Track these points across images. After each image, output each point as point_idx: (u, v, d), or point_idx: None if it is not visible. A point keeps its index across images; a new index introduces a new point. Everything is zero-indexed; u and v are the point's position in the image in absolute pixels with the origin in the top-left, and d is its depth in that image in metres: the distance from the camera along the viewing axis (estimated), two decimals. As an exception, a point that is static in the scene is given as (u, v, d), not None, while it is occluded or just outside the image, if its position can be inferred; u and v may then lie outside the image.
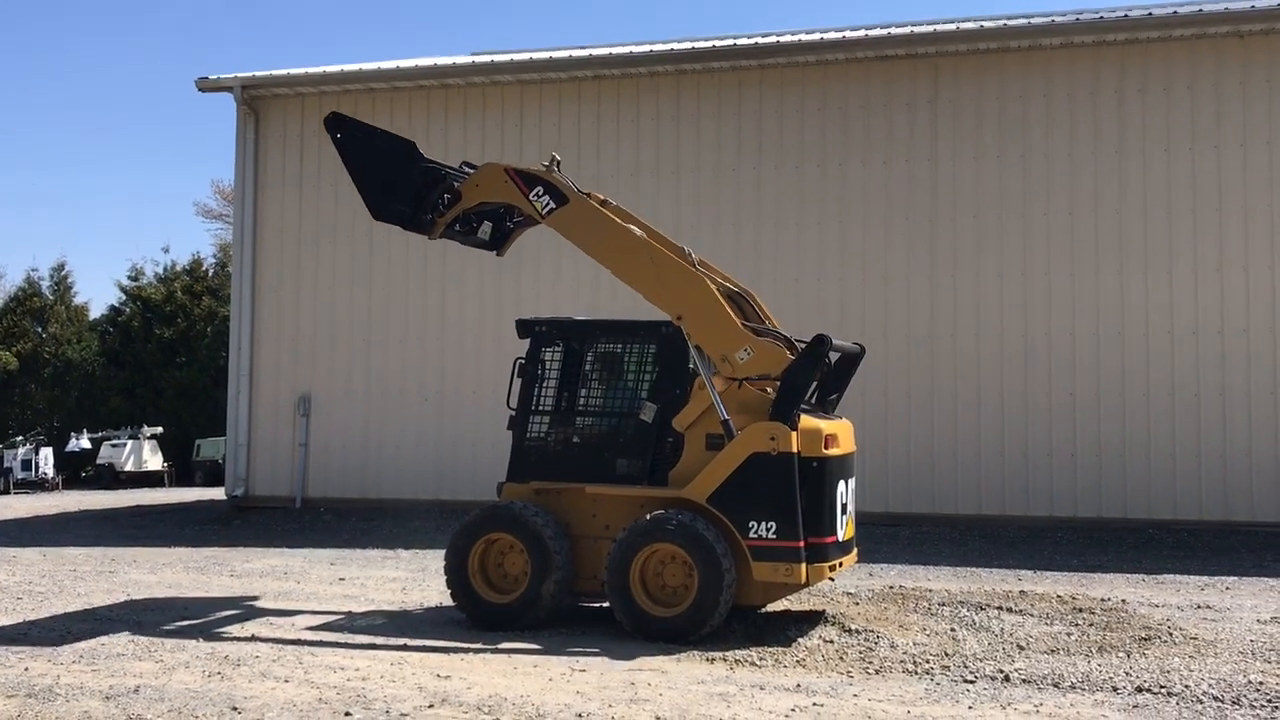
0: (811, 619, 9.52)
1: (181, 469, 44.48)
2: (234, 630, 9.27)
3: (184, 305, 48.85)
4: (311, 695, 7.20)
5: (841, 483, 9.19)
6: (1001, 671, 7.73)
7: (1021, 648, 8.56)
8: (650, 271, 9.33)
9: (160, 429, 44.98)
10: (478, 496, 17.46)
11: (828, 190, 16.81)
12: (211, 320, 47.78)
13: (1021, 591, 11.15)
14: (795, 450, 8.75)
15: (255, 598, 10.98)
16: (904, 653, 8.33)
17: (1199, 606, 10.43)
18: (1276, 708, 6.90)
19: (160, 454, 44.39)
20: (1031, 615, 9.88)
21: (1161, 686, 7.33)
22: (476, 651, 8.47)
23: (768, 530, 8.73)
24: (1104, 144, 15.90)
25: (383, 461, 18.16)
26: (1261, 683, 7.43)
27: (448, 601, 10.55)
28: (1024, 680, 7.55)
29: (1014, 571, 12.70)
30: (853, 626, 9.10)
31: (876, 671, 7.83)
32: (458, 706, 6.93)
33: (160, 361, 47.76)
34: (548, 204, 9.65)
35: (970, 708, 6.94)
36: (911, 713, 6.80)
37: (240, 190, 19.28)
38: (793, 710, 6.85)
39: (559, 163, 9.95)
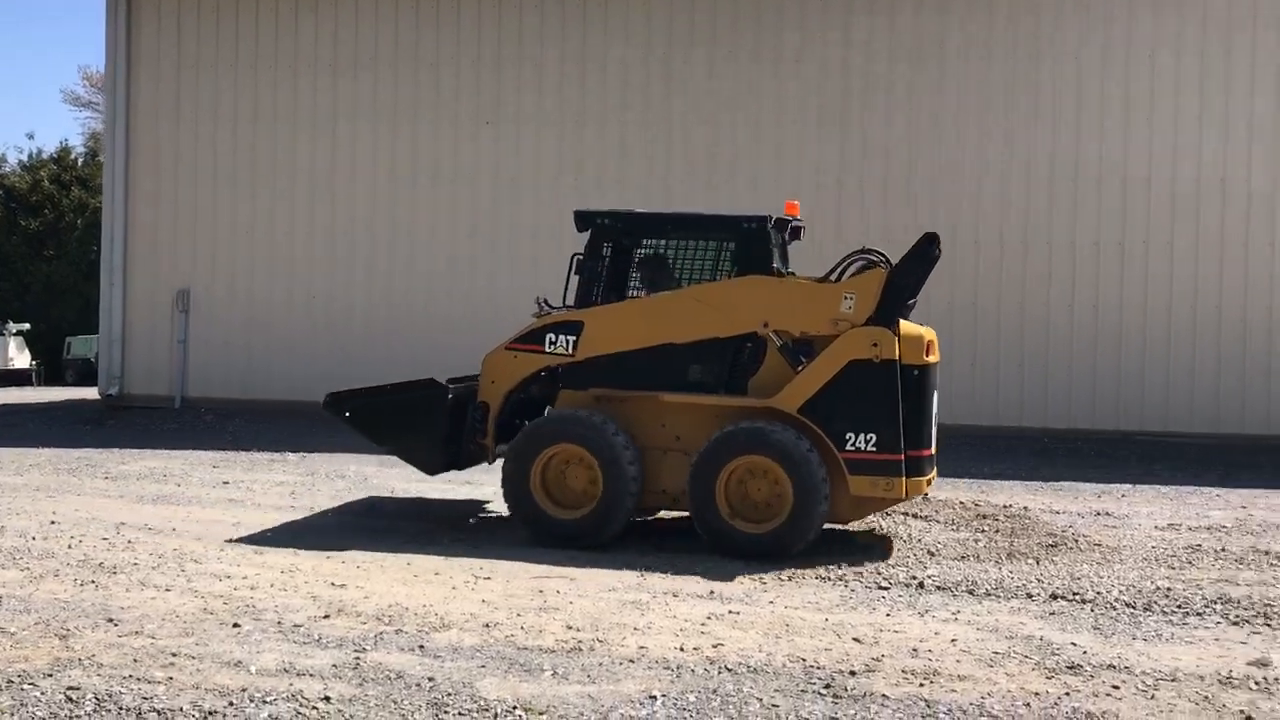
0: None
1: (52, 368, 42.53)
2: (109, 536, 8.66)
3: (51, 196, 46.24)
4: (195, 605, 6.71)
5: (935, 393, 8.69)
6: (915, 578, 7.63)
7: (932, 554, 8.49)
8: (703, 311, 8.57)
9: (27, 325, 42.87)
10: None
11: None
12: (82, 212, 45.37)
13: (926, 497, 11.13)
14: (898, 357, 8.23)
15: (133, 501, 10.34)
16: (815, 558, 8.17)
17: (1099, 514, 10.52)
18: (1187, 613, 6.91)
19: (27, 351, 42.35)
20: (938, 521, 9.84)
21: (1074, 593, 7.30)
22: (373, 559, 8.05)
23: (867, 442, 8.15)
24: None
25: (270, 361, 17.35)
26: (1170, 589, 7.45)
27: (340, 507, 10.11)
28: (939, 587, 7.46)
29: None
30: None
31: (789, 578, 7.65)
32: (355, 616, 6.53)
33: (26, 255, 45.32)
34: (567, 342, 8.78)
35: (888, 615, 6.80)
36: (830, 620, 6.63)
37: (111, 72, 17.98)
38: (709, 618, 6.62)
39: (544, 300, 9.27)
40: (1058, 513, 10.49)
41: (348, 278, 17.35)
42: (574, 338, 8.73)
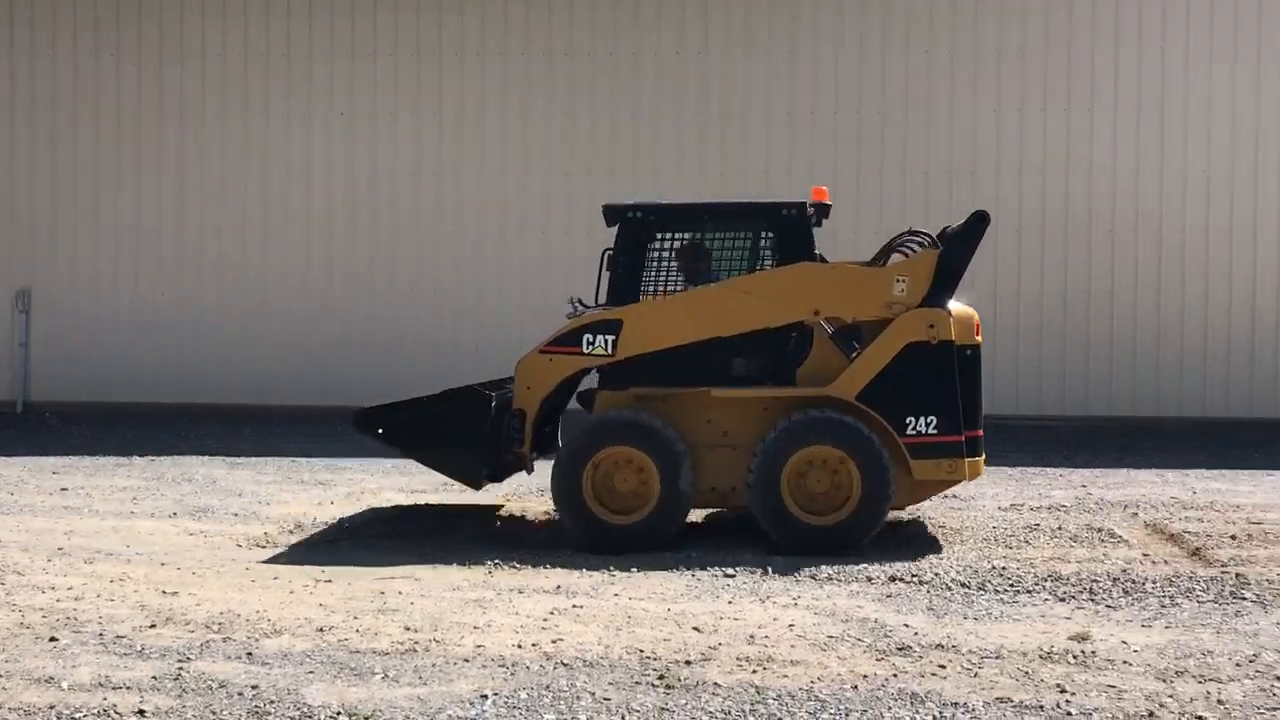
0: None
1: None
2: (-73, 549, 8.21)
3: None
4: (11, 620, 6.39)
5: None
6: (761, 565, 7.70)
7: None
8: (751, 302, 8.35)
9: None
10: (223, 400, 16.48)
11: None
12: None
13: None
14: (954, 338, 8.16)
15: (-42, 512, 9.82)
16: (664, 550, 8.20)
17: (946, 496, 10.74)
18: (1018, 591, 7.12)
19: None
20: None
21: (914, 575, 7.46)
22: (212, 564, 7.79)
23: (927, 425, 8.10)
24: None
25: (117, 361, 16.72)
26: (1004, 568, 7.67)
27: (182, 511, 9.78)
28: (782, 573, 7.53)
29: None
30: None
31: (639, 569, 7.65)
32: (183, 625, 6.30)
33: None
34: (606, 342, 8.42)
35: (730, 602, 6.85)
36: (672, 610, 6.64)
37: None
38: (551, 613, 6.57)
39: (578, 299, 8.93)
40: (908, 496, 10.72)
41: (197, 275, 16.84)
42: (613, 337, 8.40)
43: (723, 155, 16.17)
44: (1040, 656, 5.80)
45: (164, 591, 7.02)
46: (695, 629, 6.27)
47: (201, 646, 5.91)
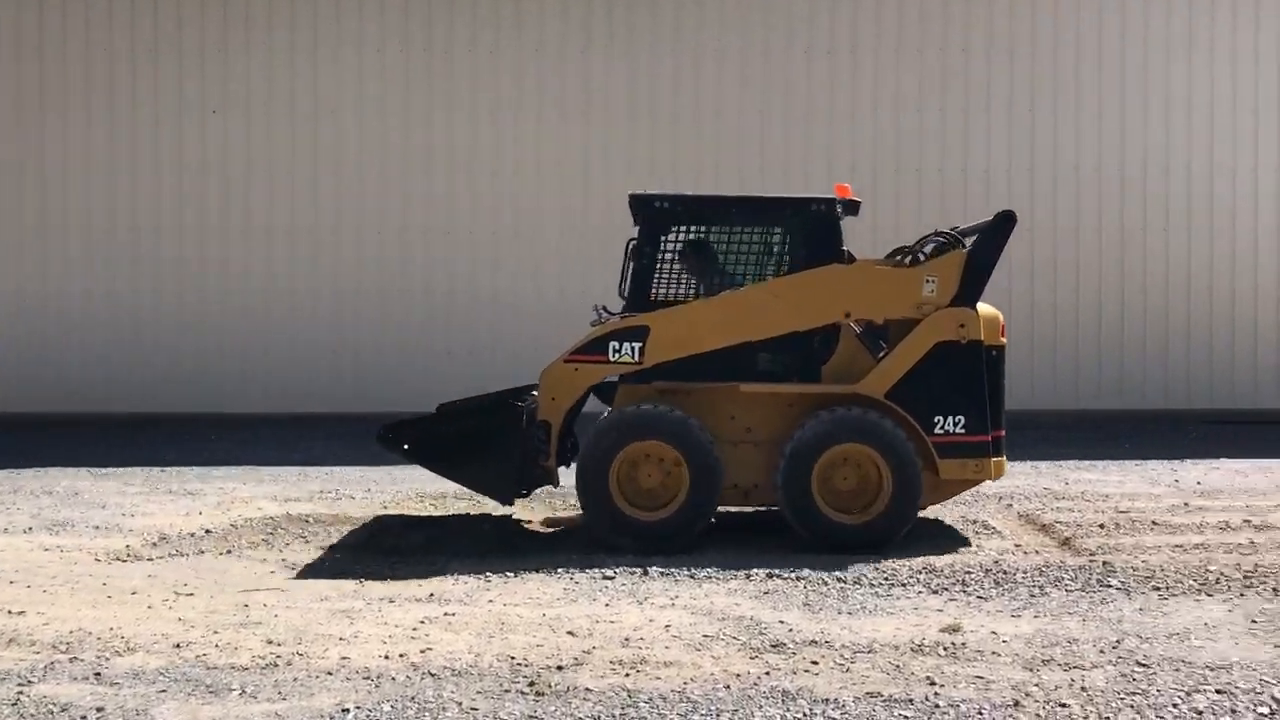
0: (467, 524, 9.12)
1: None
2: None
3: None
4: None
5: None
6: (640, 565, 7.61)
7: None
8: (782, 306, 8.26)
9: None
10: (87, 408, 15.88)
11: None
12: None
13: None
14: (983, 338, 8.14)
15: None
16: (545, 552, 8.07)
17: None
18: (893, 585, 7.16)
19: None
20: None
21: (791, 571, 7.44)
22: (67, 580, 7.42)
23: (955, 424, 8.07)
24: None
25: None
26: (879, 562, 7.70)
27: (39, 525, 9.32)
28: (662, 573, 7.45)
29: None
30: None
31: (515, 574, 7.50)
32: (28, 647, 5.96)
33: None
34: (633, 350, 8.24)
35: (607, 605, 6.75)
36: (547, 615, 6.51)
37: None
38: (422, 622, 6.38)
39: (603, 307, 8.80)
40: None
41: (41, 269, 16.25)
42: (640, 344, 8.23)
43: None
44: (912, 649, 5.82)
45: (9, 611, 6.64)
46: (570, 633, 6.15)
47: (46, 668, 5.59)
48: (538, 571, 7.52)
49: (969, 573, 7.39)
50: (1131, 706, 5.03)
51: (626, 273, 8.68)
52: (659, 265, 8.63)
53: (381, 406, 13.87)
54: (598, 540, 8.16)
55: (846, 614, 6.51)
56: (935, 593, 6.97)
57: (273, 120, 16.29)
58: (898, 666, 5.57)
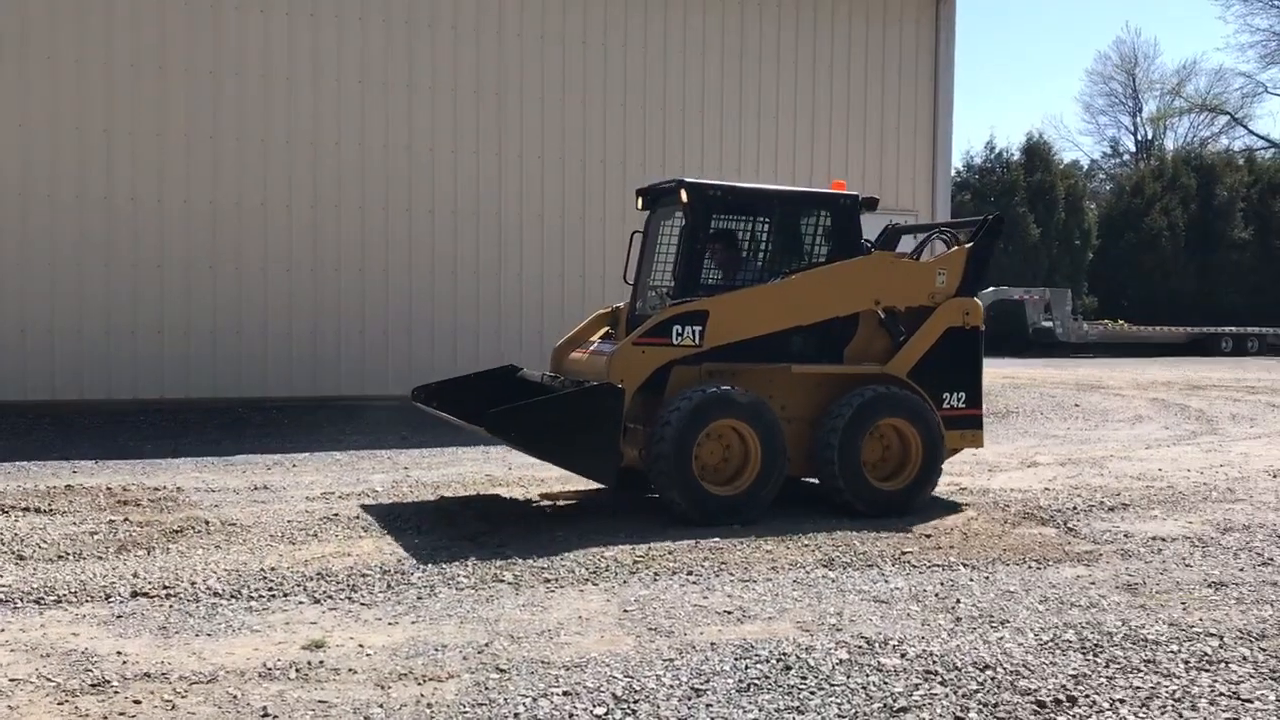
0: None
1: None
2: None
3: None
4: None
5: None
6: (-24, 592, 6.43)
7: (24, 557, 7.32)
8: (828, 293, 9.09)
9: None
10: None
11: None
12: None
13: (69, 486, 9.90)
14: (980, 324, 9.37)
15: None
16: None
17: (257, 488, 10.07)
18: (275, 596, 6.54)
19: None
20: (65, 514, 8.70)
21: (165, 587, 6.61)
22: None
23: (958, 400, 9.30)
24: None
25: None
26: (274, 569, 7.08)
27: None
28: (2, 600, 6.34)
29: (73, 463, 11.32)
30: None
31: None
32: None
33: None
34: (694, 333, 8.73)
35: None
36: None
37: None
38: None
39: (665, 290, 9.31)
40: (214, 491, 9.88)
41: None
42: (700, 328, 8.73)
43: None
44: (261, 674, 5.23)
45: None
46: None
47: None
48: None
49: (365, 575, 6.93)
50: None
51: (630, 259, 9.74)
52: (708, 252, 9.27)
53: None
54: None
55: (205, 636, 5.79)
56: (317, 602, 6.43)
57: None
58: (236, 696, 4.95)
